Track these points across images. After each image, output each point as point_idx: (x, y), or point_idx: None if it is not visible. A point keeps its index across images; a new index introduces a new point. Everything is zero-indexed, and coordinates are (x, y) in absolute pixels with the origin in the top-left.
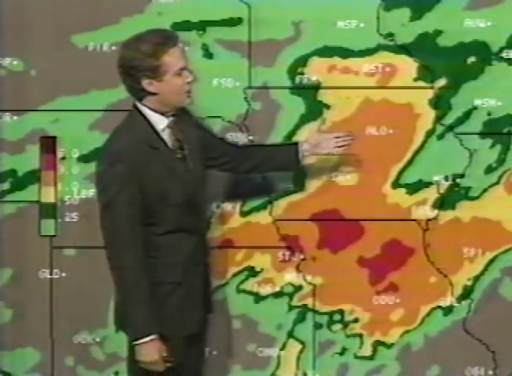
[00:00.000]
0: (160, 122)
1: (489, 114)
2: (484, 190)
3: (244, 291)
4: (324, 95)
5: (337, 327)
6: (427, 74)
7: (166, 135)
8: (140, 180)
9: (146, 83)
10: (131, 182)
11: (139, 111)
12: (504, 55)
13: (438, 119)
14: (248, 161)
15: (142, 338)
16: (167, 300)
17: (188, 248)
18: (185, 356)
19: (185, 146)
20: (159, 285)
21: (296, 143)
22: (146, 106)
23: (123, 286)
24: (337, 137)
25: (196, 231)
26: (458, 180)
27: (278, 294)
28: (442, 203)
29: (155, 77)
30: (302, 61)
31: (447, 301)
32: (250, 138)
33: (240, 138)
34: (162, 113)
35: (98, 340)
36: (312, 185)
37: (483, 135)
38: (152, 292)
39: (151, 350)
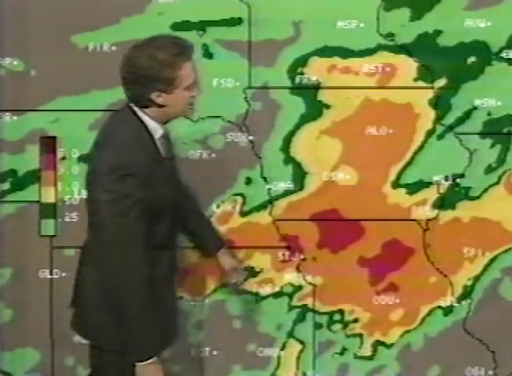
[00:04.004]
0: (157, 131)
1: (489, 114)
2: (485, 190)
3: (244, 291)
4: (324, 95)
5: (337, 327)
6: (427, 74)
7: (160, 145)
8: (147, 195)
9: (155, 94)
10: (141, 197)
11: (135, 115)
12: (504, 55)
13: (438, 119)
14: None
15: (148, 358)
16: None
17: (167, 263)
18: None
19: (174, 155)
20: None
21: (223, 241)
22: (144, 113)
23: (129, 303)
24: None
25: (174, 245)
26: (458, 180)
27: (278, 294)
28: (442, 203)
29: (166, 89)
30: (302, 61)
31: (447, 301)
32: (250, 138)
33: (240, 138)
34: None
35: None
36: (312, 185)
37: (483, 135)
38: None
39: (155, 372)
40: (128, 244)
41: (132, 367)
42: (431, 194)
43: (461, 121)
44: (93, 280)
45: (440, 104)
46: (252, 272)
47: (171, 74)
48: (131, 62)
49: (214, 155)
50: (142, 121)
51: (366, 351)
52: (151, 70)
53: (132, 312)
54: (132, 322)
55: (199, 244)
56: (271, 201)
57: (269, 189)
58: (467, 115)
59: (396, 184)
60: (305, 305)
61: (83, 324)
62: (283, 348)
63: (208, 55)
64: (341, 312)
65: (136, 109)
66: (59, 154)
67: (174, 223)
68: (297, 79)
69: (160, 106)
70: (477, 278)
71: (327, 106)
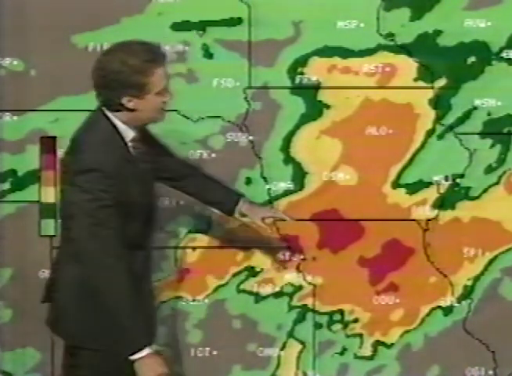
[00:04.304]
0: (128, 134)
1: (489, 114)
2: (485, 190)
3: (244, 291)
4: (324, 95)
5: (337, 327)
6: (427, 74)
7: (131, 147)
8: (119, 195)
9: (126, 99)
10: (114, 196)
11: (107, 118)
12: (504, 55)
13: (438, 119)
14: (188, 187)
15: (142, 349)
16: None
17: (140, 263)
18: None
19: (148, 157)
20: None
21: (239, 195)
22: (116, 116)
23: (114, 299)
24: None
25: (148, 245)
26: (458, 180)
27: (278, 294)
28: (442, 203)
29: (138, 95)
30: (302, 61)
31: (447, 301)
32: (250, 138)
33: (240, 138)
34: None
35: None
36: (312, 185)
37: (483, 135)
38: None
39: (155, 363)
40: (103, 243)
41: (112, 366)
42: (431, 194)
43: (461, 121)
44: (69, 278)
45: (440, 104)
46: (252, 272)
47: (142, 80)
48: (103, 66)
49: (214, 155)
50: (113, 124)
51: (366, 351)
52: (121, 75)
53: (115, 306)
54: (116, 316)
55: (216, 206)
56: (271, 201)
57: (269, 189)
58: (467, 115)
59: (396, 184)
60: (305, 305)
61: (59, 323)
62: (283, 348)
63: (208, 55)
64: (341, 312)
65: (108, 112)
66: (59, 154)
67: (147, 223)
68: (297, 79)
69: (131, 110)
70: (477, 278)
71: (327, 106)
